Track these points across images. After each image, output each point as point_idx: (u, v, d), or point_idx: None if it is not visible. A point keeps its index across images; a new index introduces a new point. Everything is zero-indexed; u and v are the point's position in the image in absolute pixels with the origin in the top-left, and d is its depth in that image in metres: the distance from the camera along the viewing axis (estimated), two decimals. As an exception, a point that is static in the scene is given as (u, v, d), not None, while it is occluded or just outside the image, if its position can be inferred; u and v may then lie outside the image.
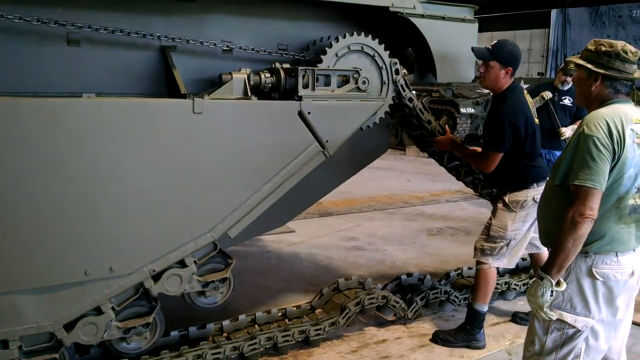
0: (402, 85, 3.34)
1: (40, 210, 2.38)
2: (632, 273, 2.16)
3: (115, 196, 2.52)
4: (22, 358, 2.50)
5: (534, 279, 2.18)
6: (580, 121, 2.22)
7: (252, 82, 2.92)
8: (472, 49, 3.36)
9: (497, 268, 3.47)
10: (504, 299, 4.14)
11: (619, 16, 17.69)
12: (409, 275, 4.01)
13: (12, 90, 2.57)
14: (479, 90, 11.67)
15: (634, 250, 2.18)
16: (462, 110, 11.38)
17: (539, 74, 18.25)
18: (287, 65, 3.06)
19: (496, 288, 4.04)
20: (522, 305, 4.02)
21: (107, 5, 2.75)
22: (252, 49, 3.00)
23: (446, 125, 3.75)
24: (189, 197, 2.70)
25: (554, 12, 19.05)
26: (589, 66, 2.20)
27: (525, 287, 4.14)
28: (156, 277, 2.72)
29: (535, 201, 3.40)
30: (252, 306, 3.83)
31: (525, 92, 3.51)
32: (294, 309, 3.57)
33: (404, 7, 3.24)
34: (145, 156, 2.57)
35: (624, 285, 2.15)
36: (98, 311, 2.62)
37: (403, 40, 3.52)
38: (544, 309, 2.13)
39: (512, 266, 3.63)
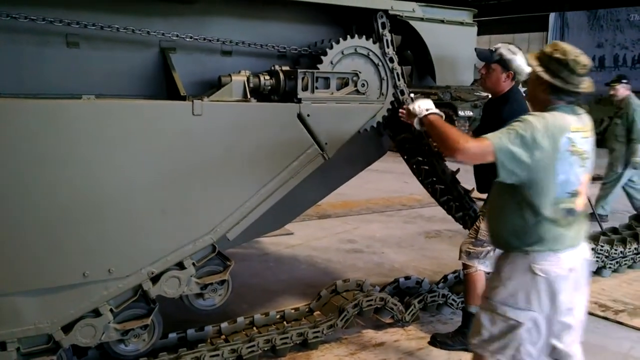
0: (397, 74, 3.29)
1: (39, 212, 2.38)
2: (572, 269, 2.22)
3: (114, 198, 2.52)
4: (20, 360, 2.50)
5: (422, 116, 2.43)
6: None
7: (251, 85, 2.93)
8: (475, 49, 3.37)
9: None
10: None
11: (617, 20, 17.77)
12: (407, 278, 4.01)
13: (12, 92, 2.57)
14: (477, 93, 11.72)
15: (574, 247, 2.24)
16: (461, 113, 11.44)
17: (537, 77, 18.32)
18: (286, 68, 3.06)
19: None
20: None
21: (107, 6, 2.75)
22: (253, 44, 3.00)
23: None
24: (188, 199, 2.70)
25: (552, 16, 19.10)
26: (537, 69, 2.23)
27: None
28: (155, 279, 2.72)
29: None
30: (250, 308, 3.83)
31: (524, 95, 3.51)
32: (292, 311, 3.57)
33: (403, 10, 3.25)
34: (145, 158, 2.57)
35: (564, 280, 2.20)
36: (96, 313, 2.62)
37: (402, 43, 3.53)
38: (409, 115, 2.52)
39: None
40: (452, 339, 3.45)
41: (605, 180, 6.62)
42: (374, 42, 3.16)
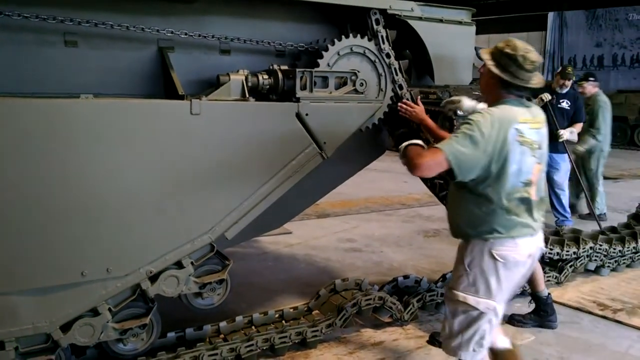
0: (395, 69, 3.28)
1: (37, 211, 2.37)
2: (530, 255, 2.37)
3: (112, 197, 2.52)
4: (19, 359, 2.50)
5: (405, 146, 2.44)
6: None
7: (249, 84, 2.93)
8: (475, 48, 3.36)
9: None
10: (501, 301, 4.15)
11: (616, 19, 17.77)
12: (406, 277, 4.02)
13: (9, 91, 2.57)
14: (476, 93, 11.70)
15: (531, 235, 2.37)
16: (459, 112, 11.43)
17: (535, 76, 18.32)
18: (284, 67, 3.06)
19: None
20: (518, 307, 4.02)
21: (105, 5, 2.74)
22: (249, 41, 3.00)
23: (418, 97, 3.45)
24: (187, 199, 2.70)
25: (551, 15, 19.10)
26: (488, 63, 2.34)
27: (521, 289, 4.14)
28: (153, 278, 2.71)
29: None
30: (249, 307, 3.82)
31: None
32: (291, 310, 3.57)
33: (401, 10, 3.25)
34: (143, 157, 2.56)
35: (522, 265, 2.36)
36: (95, 312, 2.61)
37: (401, 42, 3.52)
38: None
39: None
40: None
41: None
42: (369, 40, 3.14)
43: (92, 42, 2.77)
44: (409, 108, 3.22)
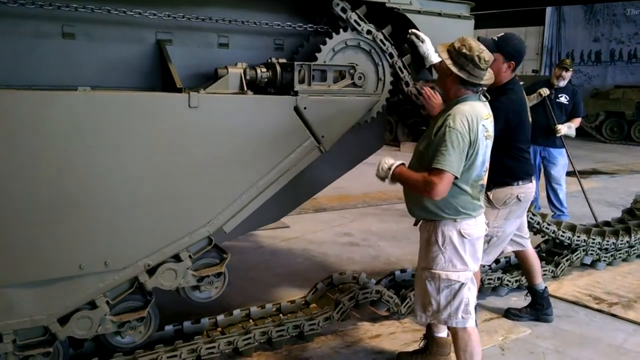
0: (399, 67, 3.29)
1: (34, 204, 2.37)
2: (485, 229, 2.81)
3: (109, 190, 2.51)
4: (16, 352, 2.50)
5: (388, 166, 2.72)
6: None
7: (248, 77, 2.92)
8: (478, 38, 3.35)
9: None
10: (497, 294, 4.16)
11: (614, 14, 17.74)
12: (403, 271, 4.03)
13: (6, 83, 2.55)
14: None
15: (482, 213, 2.77)
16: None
17: (533, 71, 18.33)
18: (283, 60, 3.05)
19: (489, 284, 4.08)
20: (515, 301, 4.04)
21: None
22: (247, 22, 2.98)
23: (435, 90, 3.39)
24: (184, 192, 2.70)
25: (549, 10, 19.07)
26: (447, 62, 2.58)
27: (518, 283, 4.17)
28: (151, 271, 2.72)
29: (519, 199, 3.42)
30: (246, 301, 3.83)
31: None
32: (289, 303, 3.58)
33: (400, 3, 3.24)
34: (141, 150, 2.56)
35: (481, 238, 2.77)
36: (92, 305, 2.62)
37: (399, 36, 3.52)
38: (378, 175, 2.78)
39: (489, 263, 3.66)
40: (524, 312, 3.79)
41: None
42: (352, 30, 3.10)
43: (90, 34, 2.76)
44: (431, 97, 3.23)
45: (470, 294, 2.72)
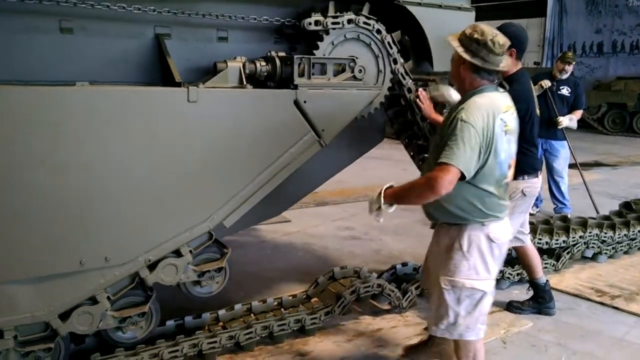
0: (402, 74, 3.29)
1: (34, 199, 2.36)
2: (511, 232, 2.62)
3: (109, 185, 2.50)
4: (18, 348, 2.50)
5: (378, 193, 2.45)
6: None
7: (247, 71, 2.90)
8: None
9: None
10: (499, 288, 4.15)
11: (616, 5, 17.63)
12: (404, 264, 4.02)
13: (4, 79, 2.54)
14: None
15: (503, 217, 2.53)
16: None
17: (535, 63, 18.23)
18: (282, 54, 3.03)
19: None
20: (516, 294, 4.04)
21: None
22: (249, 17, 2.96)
23: (426, 94, 3.44)
24: (184, 187, 2.69)
25: (550, 1, 18.96)
26: (459, 49, 2.38)
27: (519, 276, 4.16)
28: (152, 266, 2.71)
29: (524, 194, 3.41)
30: (247, 295, 3.83)
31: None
32: (290, 298, 3.58)
33: (400, -5, 3.21)
34: (140, 145, 2.55)
35: (507, 243, 2.56)
36: (93, 301, 2.62)
37: (400, 28, 3.50)
38: (372, 213, 2.50)
39: None
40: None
41: None
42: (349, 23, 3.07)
43: (88, 29, 2.74)
44: (423, 100, 3.36)
45: (489, 302, 2.50)
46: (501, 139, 2.34)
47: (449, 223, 2.51)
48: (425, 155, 3.66)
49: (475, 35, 2.34)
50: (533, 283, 3.80)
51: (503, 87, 2.54)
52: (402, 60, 3.28)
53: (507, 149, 2.40)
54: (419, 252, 4.98)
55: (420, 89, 3.40)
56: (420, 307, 3.79)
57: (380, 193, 2.44)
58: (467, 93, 2.44)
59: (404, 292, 3.71)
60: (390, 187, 2.47)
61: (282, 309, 3.46)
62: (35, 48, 2.65)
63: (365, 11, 3.15)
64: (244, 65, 2.89)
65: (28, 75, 2.62)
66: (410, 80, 3.36)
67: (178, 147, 2.64)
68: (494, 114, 2.32)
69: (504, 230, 2.50)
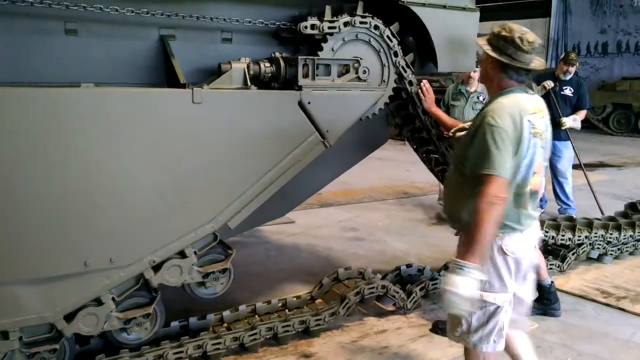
0: (402, 67, 3.27)
1: (39, 201, 2.37)
2: (535, 246, 2.40)
3: (114, 187, 2.51)
4: (23, 349, 2.51)
5: (448, 271, 2.15)
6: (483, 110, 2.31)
7: (251, 72, 2.91)
8: (478, 35, 3.32)
9: None
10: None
11: (620, 5, 17.57)
12: (409, 265, 4.02)
13: (10, 80, 2.55)
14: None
15: (533, 225, 2.38)
16: None
17: (539, 63, 18.17)
18: (286, 55, 3.03)
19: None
20: (521, 295, 4.02)
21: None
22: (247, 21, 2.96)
23: (429, 86, 3.44)
24: (189, 188, 2.69)
25: (554, 1, 18.91)
26: (485, 47, 2.31)
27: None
28: (156, 267, 2.71)
29: None
30: (252, 297, 3.83)
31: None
32: (294, 299, 3.57)
33: (404, -4, 3.21)
34: (145, 146, 2.55)
35: (529, 255, 2.36)
36: (98, 302, 2.62)
37: (404, 29, 3.49)
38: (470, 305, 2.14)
39: None
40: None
41: None
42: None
43: (93, 30, 2.75)
44: (425, 92, 3.34)
45: (506, 317, 2.34)
46: (527, 141, 2.22)
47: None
48: (429, 147, 3.68)
49: (503, 33, 2.26)
50: (538, 285, 3.78)
51: (531, 88, 2.43)
52: (402, 54, 3.27)
53: (533, 152, 2.25)
54: (423, 253, 5.00)
55: (424, 81, 3.40)
56: (424, 309, 3.78)
57: (461, 268, 2.11)
58: (493, 95, 2.37)
59: (408, 293, 3.71)
60: (457, 265, 2.15)
61: (287, 310, 3.45)
62: (41, 50, 2.66)
63: (359, 10, 3.14)
64: (248, 67, 2.89)
65: (33, 76, 2.63)
66: (412, 73, 3.34)
67: (183, 148, 2.64)
68: (520, 114, 2.21)
69: (522, 244, 2.32)
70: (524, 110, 2.23)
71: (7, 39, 2.58)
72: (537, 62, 2.31)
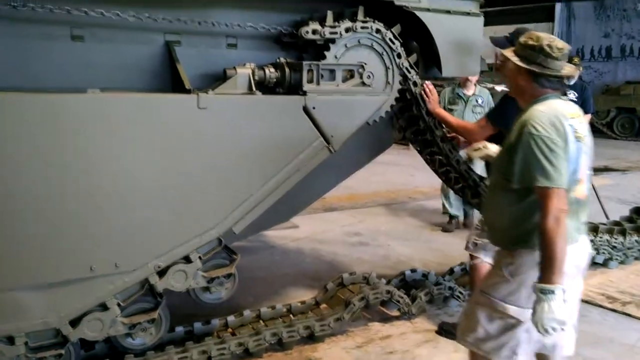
0: (406, 68, 3.27)
1: (45, 206, 2.38)
2: (577, 265, 2.18)
3: (120, 192, 2.52)
4: (28, 354, 2.51)
5: (536, 301, 2.02)
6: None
7: (256, 77, 2.91)
8: (491, 38, 3.32)
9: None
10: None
11: (624, 10, 17.57)
12: (413, 270, 4.01)
13: (16, 86, 2.56)
14: (483, 85, 11.63)
15: (578, 240, 2.18)
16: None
17: (543, 68, 18.16)
18: (291, 60, 3.04)
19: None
20: (527, 300, 4.00)
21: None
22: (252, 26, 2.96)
23: (432, 87, 3.43)
24: (194, 193, 2.70)
25: (558, 6, 18.92)
26: (513, 59, 2.21)
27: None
28: (161, 273, 2.72)
29: None
30: (256, 302, 3.83)
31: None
32: (299, 304, 3.57)
33: (408, 1, 3.22)
34: (150, 151, 2.56)
35: (567, 276, 2.08)
36: (103, 307, 2.62)
37: (409, 33, 3.50)
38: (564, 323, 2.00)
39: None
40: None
41: None
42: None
43: (99, 36, 2.77)
44: (429, 93, 3.35)
45: (526, 335, 2.17)
46: (571, 146, 2.09)
47: (504, 247, 2.28)
48: (432, 149, 3.66)
49: (530, 42, 2.17)
50: None
51: (566, 95, 2.36)
52: (405, 55, 3.27)
53: (577, 157, 2.12)
54: (428, 258, 4.99)
55: (428, 82, 3.40)
56: (429, 314, 3.77)
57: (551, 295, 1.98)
58: (527, 105, 2.23)
59: (413, 298, 3.70)
60: (544, 291, 2.00)
61: (291, 316, 3.45)
62: (47, 55, 2.68)
63: (360, 15, 3.14)
64: (253, 72, 2.90)
65: (40, 82, 2.65)
66: (416, 74, 3.33)
67: (188, 153, 2.65)
68: (560, 119, 2.09)
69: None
70: (562, 115, 2.11)
71: (14, 44, 2.60)
72: (569, 69, 2.22)
